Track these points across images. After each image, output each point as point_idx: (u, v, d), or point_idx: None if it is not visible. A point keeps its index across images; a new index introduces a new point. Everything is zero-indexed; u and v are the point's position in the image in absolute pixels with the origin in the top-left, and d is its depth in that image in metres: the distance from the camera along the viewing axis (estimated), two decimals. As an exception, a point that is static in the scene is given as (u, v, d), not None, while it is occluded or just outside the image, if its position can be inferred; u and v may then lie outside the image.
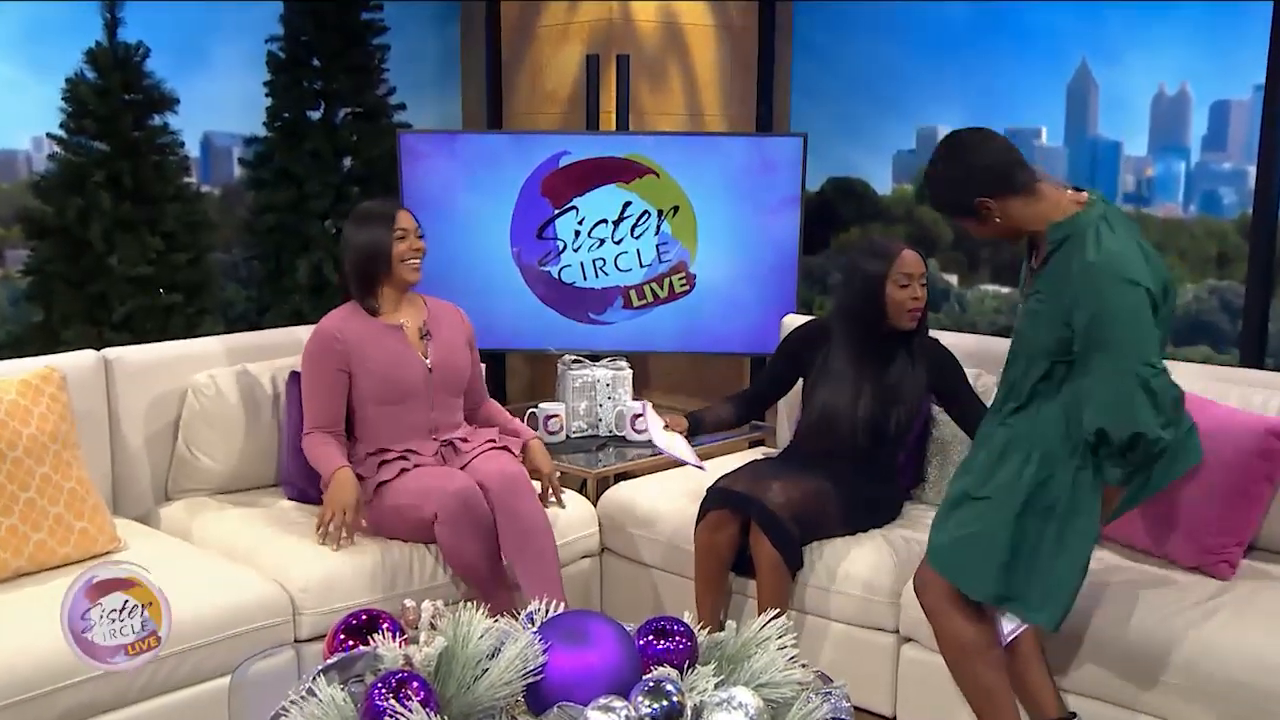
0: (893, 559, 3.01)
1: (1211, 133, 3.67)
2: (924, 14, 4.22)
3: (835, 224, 4.57)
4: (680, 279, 4.17)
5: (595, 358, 4.10)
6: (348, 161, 4.35)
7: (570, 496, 3.40)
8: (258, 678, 2.70)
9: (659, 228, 4.13)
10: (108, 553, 2.82)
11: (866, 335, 3.14)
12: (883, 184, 4.44)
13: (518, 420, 3.44)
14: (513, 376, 4.97)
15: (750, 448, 4.06)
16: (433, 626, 1.98)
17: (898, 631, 2.99)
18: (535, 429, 3.72)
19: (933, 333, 3.30)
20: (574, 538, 3.34)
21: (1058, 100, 3.95)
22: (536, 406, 3.92)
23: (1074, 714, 2.62)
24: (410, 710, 1.69)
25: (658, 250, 4.15)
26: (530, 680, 1.82)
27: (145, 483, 3.25)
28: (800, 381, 3.35)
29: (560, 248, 4.16)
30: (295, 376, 3.26)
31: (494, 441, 3.19)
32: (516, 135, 4.30)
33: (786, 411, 3.75)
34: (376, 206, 3.16)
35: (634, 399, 4.03)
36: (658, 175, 4.11)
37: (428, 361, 3.14)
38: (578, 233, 4.15)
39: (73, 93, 3.78)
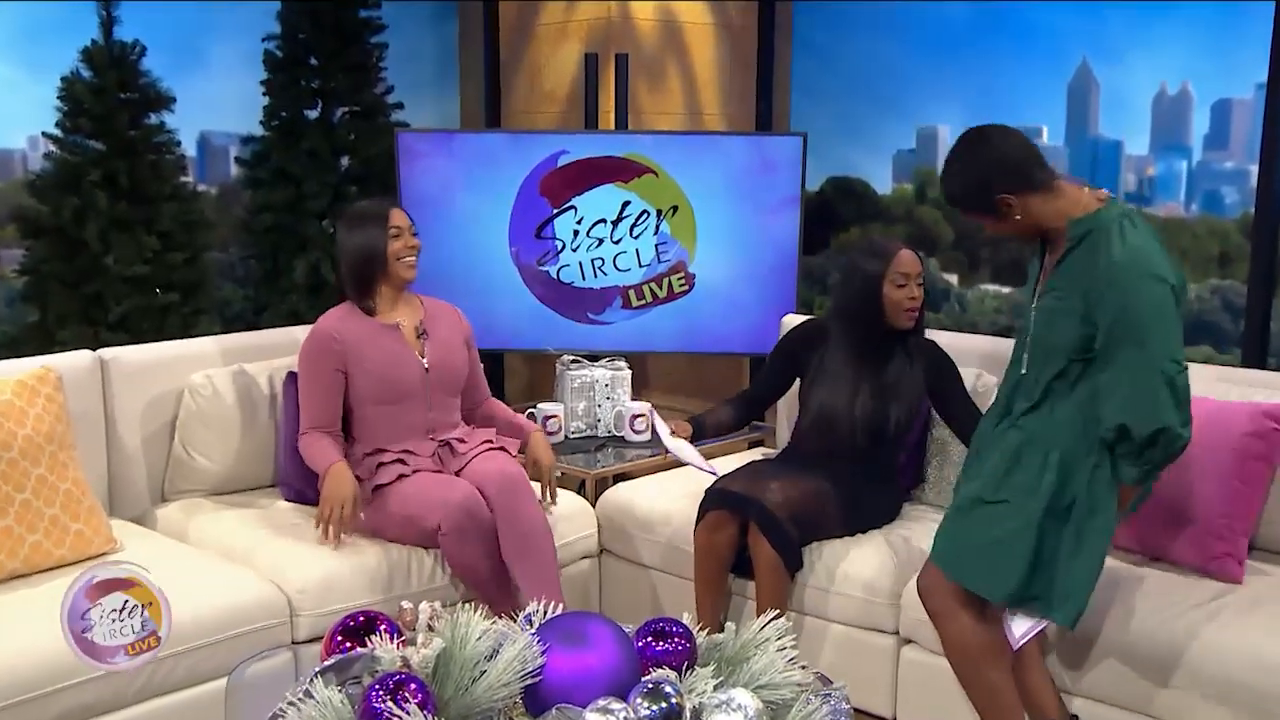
0: (893, 560, 3.00)
1: (1213, 132, 3.66)
2: (924, 13, 4.21)
3: (835, 224, 4.56)
4: (679, 279, 4.16)
5: (594, 358, 4.09)
6: (345, 161, 4.35)
7: (569, 497, 3.39)
8: (255, 679, 2.69)
9: (658, 227, 4.12)
10: (103, 554, 2.81)
11: (864, 335, 3.14)
12: (883, 184, 4.43)
13: (520, 415, 3.42)
14: (511, 377, 4.95)
15: (749, 448, 4.04)
16: (430, 628, 1.97)
17: (897, 633, 2.97)
18: (534, 430, 3.71)
19: (932, 333, 3.29)
20: (573, 539, 3.33)
21: (1058, 99, 3.94)
22: (535, 407, 3.91)
23: (1075, 716, 2.62)
24: (408, 712, 1.69)
25: (657, 250, 4.13)
26: (528, 682, 1.81)
27: (142, 484, 3.24)
28: (798, 381, 3.34)
29: (559, 247, 4.15)
30: (292, 377, 3.25)
31: (491, 442, 3.18)
32: (515, 134, 4.29)
33: (785, 412, 3.74)
34: (369, 207, 3.14)
35: (633, 399, 4.02)
36: (656, 175, 4.10)
37: (425, 361, 3.13)
38: (576, 232, 4.14)
39: (69, 91, 3.77)
